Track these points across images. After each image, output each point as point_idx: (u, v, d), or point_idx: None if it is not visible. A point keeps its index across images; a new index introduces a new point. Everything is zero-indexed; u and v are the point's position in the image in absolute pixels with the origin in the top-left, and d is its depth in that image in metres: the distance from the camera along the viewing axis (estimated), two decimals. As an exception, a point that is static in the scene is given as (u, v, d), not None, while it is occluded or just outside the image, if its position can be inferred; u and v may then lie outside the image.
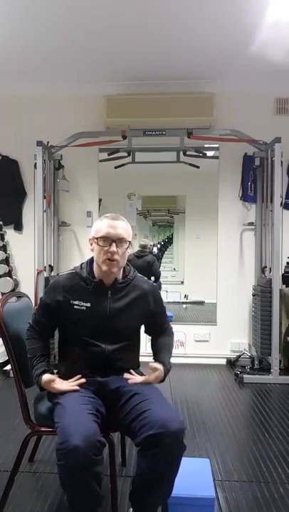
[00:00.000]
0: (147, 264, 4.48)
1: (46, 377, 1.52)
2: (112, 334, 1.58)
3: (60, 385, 1.52)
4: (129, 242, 1.60)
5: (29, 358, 1.60)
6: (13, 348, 1.62)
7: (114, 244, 1.53)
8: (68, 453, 1.23)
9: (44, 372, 1.54)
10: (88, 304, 1.56)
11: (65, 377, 1.57)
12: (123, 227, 1.58)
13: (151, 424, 1.31)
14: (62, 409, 1.41)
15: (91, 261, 1.64)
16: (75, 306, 1.56)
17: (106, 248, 1.53)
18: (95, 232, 1.59)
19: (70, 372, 1.58)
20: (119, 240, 1.55)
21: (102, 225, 1.57)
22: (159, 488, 1.39)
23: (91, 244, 1.60)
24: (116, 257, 1.53)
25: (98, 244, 1.55)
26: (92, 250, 1.60)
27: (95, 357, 1.56)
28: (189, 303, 4.52)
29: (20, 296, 1.96)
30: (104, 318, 1.57)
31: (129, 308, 1.61)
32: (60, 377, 1.56)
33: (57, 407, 1.46)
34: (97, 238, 1.56)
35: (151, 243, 4.72)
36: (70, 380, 1.54)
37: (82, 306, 1.55)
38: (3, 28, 2.89)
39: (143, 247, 4.56)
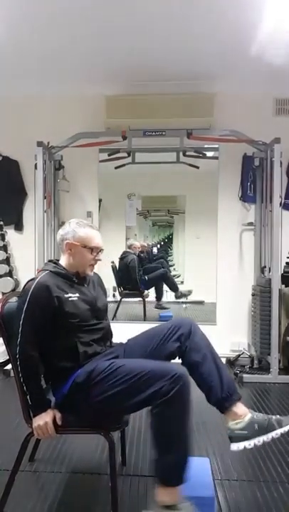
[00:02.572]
0: (125, 266, 4.51)
1: (54, 414, 1.56)
2: (100, 313, 1.79)
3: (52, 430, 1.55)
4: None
5: (31, 387, 1.56)
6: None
7: (100, 254, 1.79)
8: (178, 379, 1.40)
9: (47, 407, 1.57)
10: (77, 294, 1.69)
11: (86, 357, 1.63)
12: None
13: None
14: (133, 364, 1.53)
15: (56, 262, 1.79)
16: (70, 298, 1.66)
17: (94, 256, 1.76)
18: (83, 241, 1.74)
19: (87, 356, 1.64)
20: (101, 249, 1.80)
21: (92, 235, 1.76)
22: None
23: (70, 249, 1.75)
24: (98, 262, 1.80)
25: (90, 253, 1.75)
26: (71, 254, 1.75)
27: (100, 334, 1.74)
28: (189, 303, 4.53)
29: (20, 296, 1.95)
30: (91, 302, 1.75)
31: (98, 291, 1.86)
32: (80, 364, 1.62)
33: (121, 369, 1.51)
34: (90, 248, 1.74)
35: (138, 243, 4.70)
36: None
37: (74, 297, 1.68)
38: (3, 29, 2.90)
39: (128, 247, 4.59)
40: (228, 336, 3.85)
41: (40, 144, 3.43)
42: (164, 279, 4.63)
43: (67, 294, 1.66)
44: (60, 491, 1.80)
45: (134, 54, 3.25)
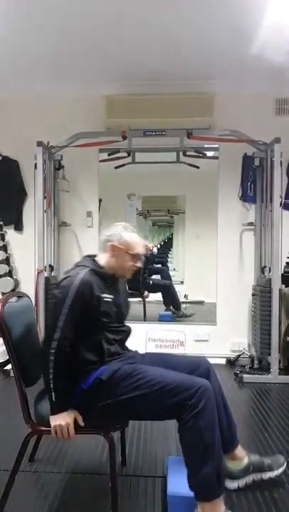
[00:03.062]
0: None
1: (75, 415, 1.55)
2: (123, 317, 1.83)
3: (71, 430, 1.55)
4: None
5: (60, 384, 1.55)
6: (13, 348, 1.61)
7: (139, 261, 1.82)
8: (205, 391, 1.47)
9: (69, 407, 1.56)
10: (111, 296, 1.71)
11: (108, 357, 1.65)
12: None
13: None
14: (160, 372, 1.57)
15: (94, 259, 1.78)
16: (105, 299, 1.68)
17: (134, 262, 1.79)
18: (128, 247, 1.76)
19: (110, 354, 1.67)
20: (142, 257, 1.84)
21: (137, 242, 1.79)
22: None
23: (113, 251, 1.75)
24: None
25: (131, 259, 1.77)
26: (114, 256, 1.76)
27: (122, 338, 1.78)
28: (189, 303, 4.53)
29: (20, 296, 1.96)
30: (119, 305, 1.78)
31: (124, 297, 1.87)
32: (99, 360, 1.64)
33: (147, 374, 1.55)
34: (133, 254, 1.76)
35: (150, 245, 4.69)
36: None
37: (108, 298, 1.69)
38: (3, 29, 2.89)
39: None
40: (228, 336, 3.85)
41: (40, 143, 3.43)
42: (168, 291, 4.52)
43: (104, 294, 1.67)
44: (60, 491, 1.80)
45: (134, 54, 3.25)
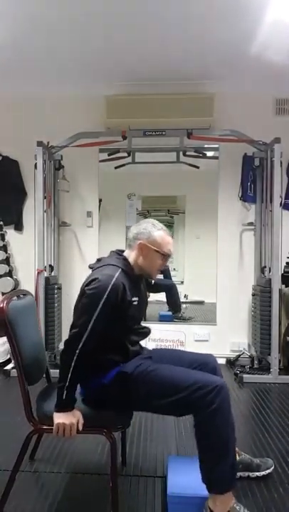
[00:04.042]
0: None
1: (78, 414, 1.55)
2: (143, 316, 1.86)
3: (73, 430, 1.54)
4: None
5: (73, 383, 1.53)
6: (17, 345, 1.61)
7: (167, 260, 1.77)
8: (221, 389, 1.48)
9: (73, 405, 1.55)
10: (137, 298, 1.70)
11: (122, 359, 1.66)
12: None
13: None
14: (174, 371, 1.59)
15: (124, 258, 1.73)
16: (134, 302, 1.67)
17: (163, 262, 1.74)
18: (157, 245, 1.70)
19: (134, 354, 1.69)
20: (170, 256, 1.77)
21: (167, 241, 1.74)
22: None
23: (142, 249, 1.70)
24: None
25: (160, 259, 1.72)
26: (143, 255, 1.71)
27: (142, 338, 1.81)
28: (189, 303, 4.52)
29: (24, 294, 1.95)
30: (142, 307, 1.81)
31: (144, 293, 1.86)
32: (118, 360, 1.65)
33: (167, 370, 1.59)
34: (162, 254, 1.71)
35: None
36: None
37: (135, 300, 1.68)
38: (3, 29, 2.89)
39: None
40: (228, 335, 3.85)
41: (40, 143, 3.43)
42: (170, 292, 4.43)
43: (133, 297, 1.66)
44: (60, 491, 1.80)
45: (134, 54, 3.25)
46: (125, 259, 1.71)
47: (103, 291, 1.53)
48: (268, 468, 1.87)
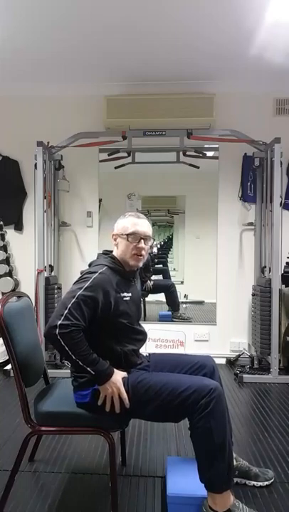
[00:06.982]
0: None
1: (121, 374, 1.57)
2: (140, 315, 1.81)
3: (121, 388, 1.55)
4: (153, 239, 1.77)
5: (85, 355, 1.49)
6: (13, 348, 1.61)
7: (142, 241, 1.68)
8: (215, 392, 1.48)
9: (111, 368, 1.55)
10: (130, 294, 1.68)
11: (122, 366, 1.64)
12: (148, 225, 1.73)
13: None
14: (169, 379, 1.57)
15: (112, 256, 1.73)
16: (124, 298, 1.66)
17: (134, 244, 1.67)
18: (122, 229, 1.70)
19: (128, 362, 1.67)
20: (146, 237, 1.69)
21: (128, 223, 1.69)
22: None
23: (115, 240, 1.72)
24: (143, 252, 1.70)
25: (127, 240, 1.67)
26: (117, 245, 1.72)
27: (141, 340, 1.76)
28: (189, 303, 4.53)
29: (20, 296, 1.96)
30: (138, 304, 1.77)
31: (138, 292, 1.81)
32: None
33: (155, 384, 1.55)
34: (126, 235, 1.67)
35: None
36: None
37: (127, 296, 1.67)
38: (3, 29, 2.90)
39: None
40: (228, 335, 3.85)
41: (40, 143, 3.43)
42: (169, 292, 4.44)
43: (123, 292, 1.65)
44: (60, 491, 1.80)
45: (134, 54, 3.26)
46: (113, 257, 1.73)
47: (88, 278, 1.56)
48: (266, 480, 1.83)
